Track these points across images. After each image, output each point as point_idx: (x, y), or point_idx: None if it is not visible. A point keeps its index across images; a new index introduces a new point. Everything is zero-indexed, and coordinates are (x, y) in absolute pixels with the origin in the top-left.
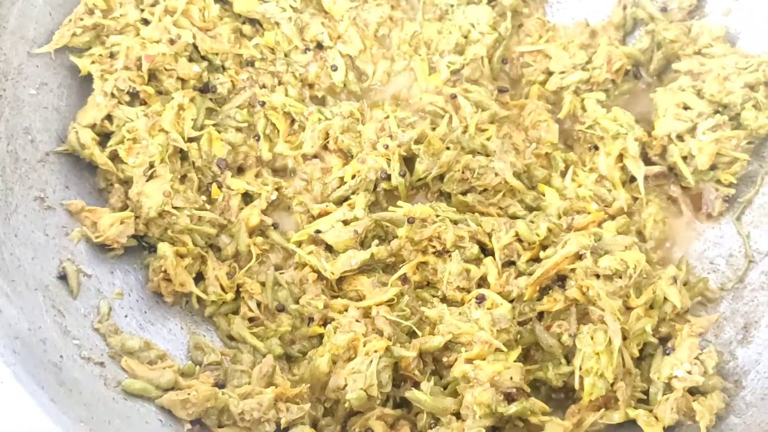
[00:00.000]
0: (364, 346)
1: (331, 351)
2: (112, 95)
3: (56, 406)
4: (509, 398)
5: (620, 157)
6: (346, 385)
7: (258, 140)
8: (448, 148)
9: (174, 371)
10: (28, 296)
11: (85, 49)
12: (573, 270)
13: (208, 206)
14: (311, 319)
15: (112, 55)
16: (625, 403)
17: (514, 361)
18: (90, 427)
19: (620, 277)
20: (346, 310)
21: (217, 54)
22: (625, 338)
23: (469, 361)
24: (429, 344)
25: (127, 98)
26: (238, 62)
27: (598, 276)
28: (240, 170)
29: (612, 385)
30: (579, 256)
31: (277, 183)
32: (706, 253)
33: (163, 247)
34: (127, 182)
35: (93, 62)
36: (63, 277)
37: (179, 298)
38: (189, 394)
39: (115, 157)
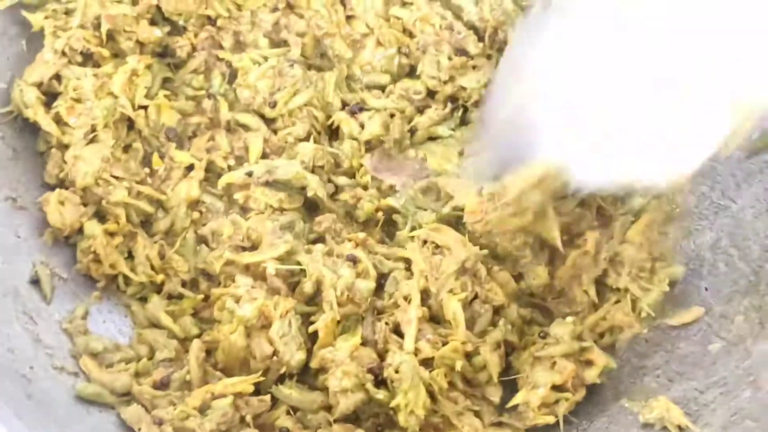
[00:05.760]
0: (275, 309)
1: (242, 323)
2: (63, 53)
3: (22, 422)
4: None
5: None
6: (277, 351)
7: (212, 99)
8: None
9: (130, 374)
10: None
11: (41, 5)
12: None
13: (149, 180)
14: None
15: (67, 12)
16: None
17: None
18: None
19: None
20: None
21: (181, 14)
22: None
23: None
24: None
25: (79, 59)
26: (201, 23)
27: None
28: (190, 139)
29: None
30: None
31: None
32: None
33: (91, 226)
34: (67, 147)
35: (46, 17)
36: (36, 282)
37: (111, 281)
38: None
39: (59, 120)
